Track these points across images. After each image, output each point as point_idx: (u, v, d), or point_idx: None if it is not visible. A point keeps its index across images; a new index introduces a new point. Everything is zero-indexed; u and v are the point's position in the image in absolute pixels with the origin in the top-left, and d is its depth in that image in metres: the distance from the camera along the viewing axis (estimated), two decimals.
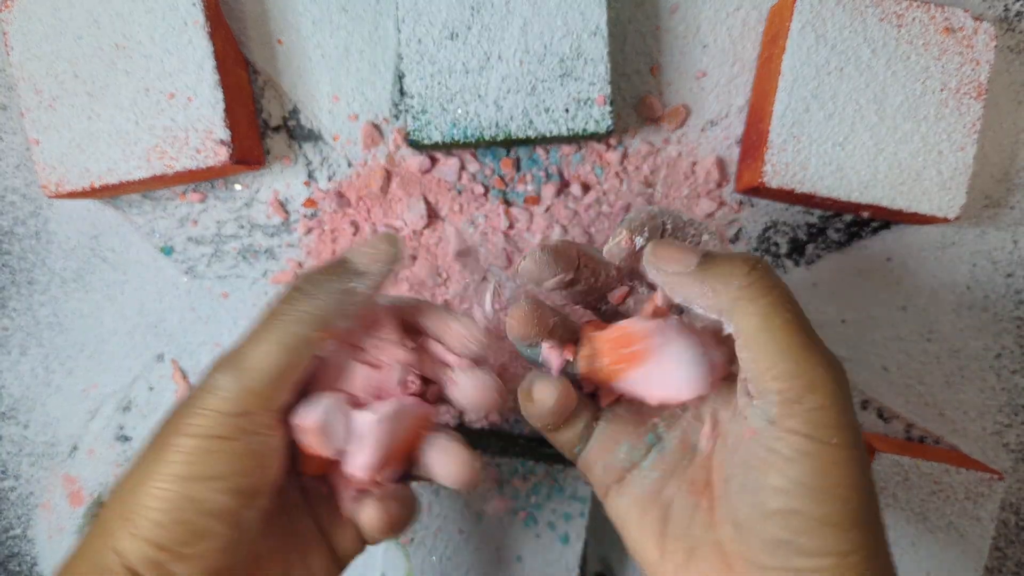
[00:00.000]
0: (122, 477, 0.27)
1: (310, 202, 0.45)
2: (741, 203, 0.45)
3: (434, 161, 0.44)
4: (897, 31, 0.40)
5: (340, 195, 0.45)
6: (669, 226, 0.30)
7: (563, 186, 0.44)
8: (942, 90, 0.40)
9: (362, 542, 0.31)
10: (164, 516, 0.25)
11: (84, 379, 0.47)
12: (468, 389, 0.31)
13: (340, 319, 0.28)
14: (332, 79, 0.44)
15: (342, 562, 0.31)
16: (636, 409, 0.32)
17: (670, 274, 0.28)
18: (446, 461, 0.30)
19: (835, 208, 0.43)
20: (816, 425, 0.25)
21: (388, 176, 0.44)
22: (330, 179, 0.45)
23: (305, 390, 0.29)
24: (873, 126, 0.40)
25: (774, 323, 0.25)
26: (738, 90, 0.44)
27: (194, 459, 0.25)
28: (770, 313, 0.26)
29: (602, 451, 0.31)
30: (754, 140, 0.42)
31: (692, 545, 0.28)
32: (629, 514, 0.30)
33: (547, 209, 0.45)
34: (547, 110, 0.41)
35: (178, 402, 0.27)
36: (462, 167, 0.44)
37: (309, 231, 0.45)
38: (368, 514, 0.30)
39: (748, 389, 0.27)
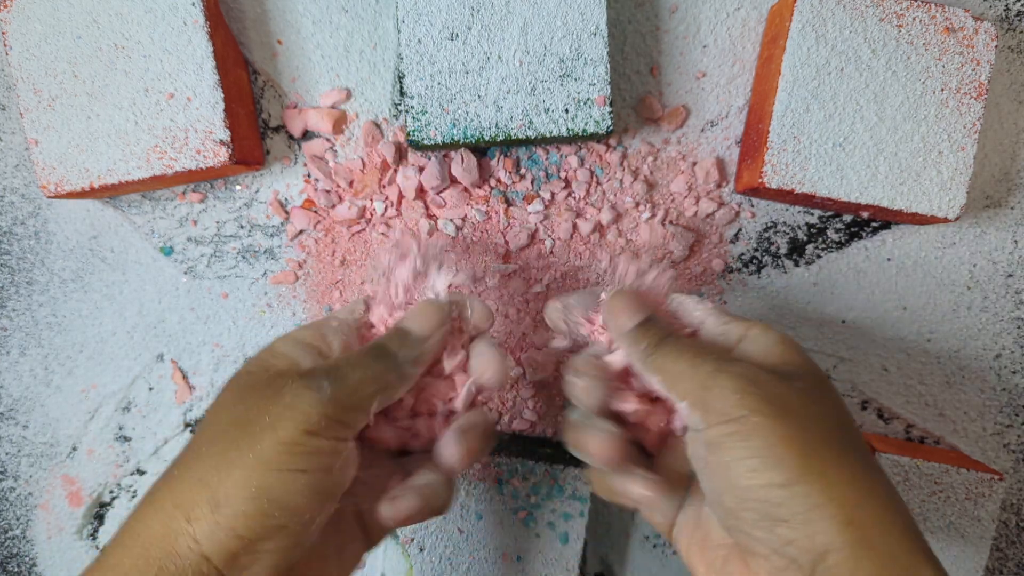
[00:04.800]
0: (196, 456, 0.27)
1: (309, 202, 0.45)
2: (741, 203, 0.45)
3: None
4: (897, 31, 0.40)
5: (339, 194, 0.45)
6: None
7: (563, 186, 0.44)
8: (942, 90, 0.40)
9: (393, 524, 0.32)
10: (251, 506, 0.25)
11: (84, 379, 0.47)
12: (483, 358, 0.34)
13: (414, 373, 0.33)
14: (332, 80, 0.44)
15: (370, 547, 0.32)
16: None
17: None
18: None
19: (835, 208, 0.43)
20: (718, 412, 0.27)
21: (388, 175, 0.44)
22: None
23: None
24: (873, 126, 0.40)
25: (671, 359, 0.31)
26: (738, 90, 0.44)
27: (287, 450, 0.26)
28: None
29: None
30: (754, 140, 0.42)
31: (725, 554, 0.30)
32: (690, 550, 0.32)
33: (547, 208, 0.45)
34: (547, 110, 0.40)
35: (250, 395, 0.29)
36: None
37: (298, 234, 0.45)
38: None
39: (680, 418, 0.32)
